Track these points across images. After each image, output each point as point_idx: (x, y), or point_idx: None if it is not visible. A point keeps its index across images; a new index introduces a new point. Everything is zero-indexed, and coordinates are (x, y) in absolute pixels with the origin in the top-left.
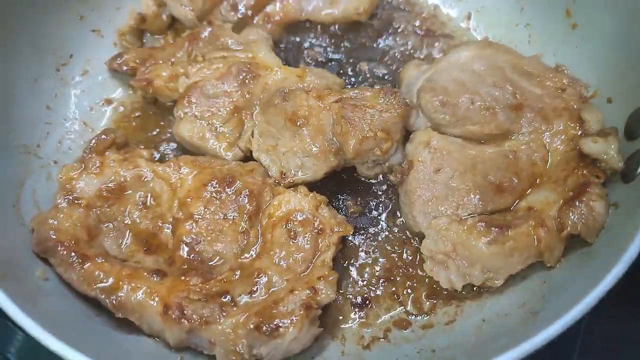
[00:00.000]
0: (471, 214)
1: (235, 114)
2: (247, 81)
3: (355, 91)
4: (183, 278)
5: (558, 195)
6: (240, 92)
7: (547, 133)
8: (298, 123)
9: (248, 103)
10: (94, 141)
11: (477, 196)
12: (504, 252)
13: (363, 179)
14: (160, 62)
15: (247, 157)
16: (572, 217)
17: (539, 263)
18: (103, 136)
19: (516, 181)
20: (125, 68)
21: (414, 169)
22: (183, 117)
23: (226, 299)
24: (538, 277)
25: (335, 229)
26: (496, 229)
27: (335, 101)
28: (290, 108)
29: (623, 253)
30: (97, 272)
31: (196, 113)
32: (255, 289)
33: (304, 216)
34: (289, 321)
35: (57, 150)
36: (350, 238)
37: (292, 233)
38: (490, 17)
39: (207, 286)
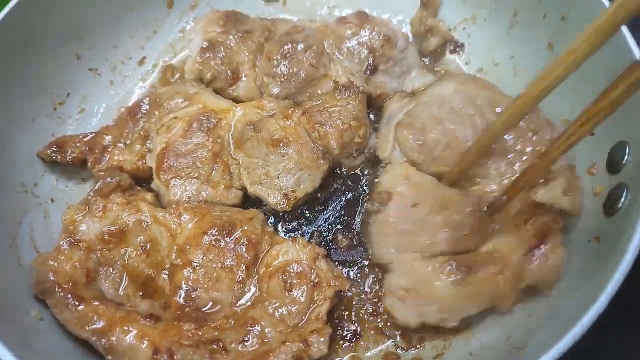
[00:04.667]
0: (440, 252)
1: (217, 160)
2: (211, 128)
3: (314, 100)
4: (176, 323)
5: (519, 241)
6: (210, 139)
7: (511, 178)
8: (281, 145)
9: (222, 147)
10: (99, 184)
11: (447, 235)
12: (465, 295)
13: (357, 215)
14: (111, 147)
15: (247, 194)
16: (530, 267)
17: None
18: (109, 179)
19: (480, 225)
20: (69, 158)
21: (392, 200)
22: (169, 185)
23: (217, 346)
24: (524, 310)
25: (332, 283)
26: (464, 269)
27: (302, 115)
28: (267, 135)
29: (605, 286)
30: (91, 314)
31: (180, 174)
32: (247, 338)
33: (300, 268)
34: None
35: (54, 188)
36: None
37: (287, 284)
38: (476, 49)
39: (200, 332)
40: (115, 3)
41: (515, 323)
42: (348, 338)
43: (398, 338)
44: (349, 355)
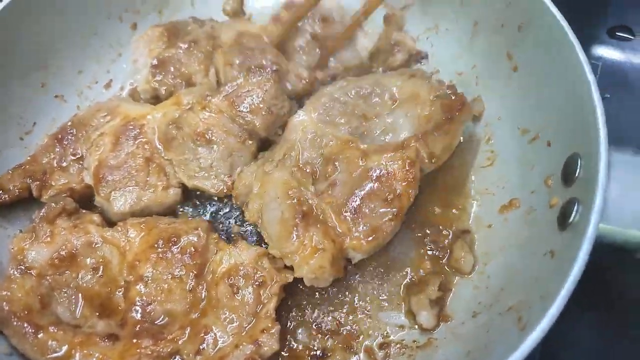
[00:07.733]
0: None
1: (150, 164)
2: (137, 136)
3: (228, 86)
4: (135, 341)
5: None
6: (139, 147)
7: None
8: (206, 136)
9: (152, 151)
10: (44, 210)
11: None
12: None
13: None
14: (49, 172)
15: (188, 190)
16: None
17: (483, 308)
18: (52, 204)
19: None
20: (17, 193)
21: None
22: (110, 198)
23: None
24: (482, 325)
25: (276, 279)
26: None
27: (221, 101)
28: (190, 130)
29: (555, 298)
30: (50, 342)
31: (118, 186)
32: (203, 347)
33: (244, 270)
34: None
35: (22, 217)
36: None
37: (234, 288)
38: (440, 59)
39: (158, 348)
40: (79, 29)
41: (474, 338)
42: (317, 357)
43: (362, 355)
44: None
